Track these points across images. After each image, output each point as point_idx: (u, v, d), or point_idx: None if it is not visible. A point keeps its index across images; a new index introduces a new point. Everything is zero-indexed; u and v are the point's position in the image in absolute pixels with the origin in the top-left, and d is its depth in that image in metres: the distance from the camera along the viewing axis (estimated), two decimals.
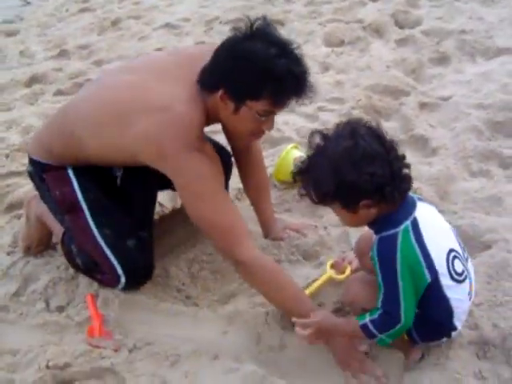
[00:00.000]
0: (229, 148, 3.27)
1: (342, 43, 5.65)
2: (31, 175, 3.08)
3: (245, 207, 3.42)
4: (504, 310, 2.52)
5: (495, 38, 5.23)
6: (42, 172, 2.98)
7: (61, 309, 2.91)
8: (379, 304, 2.21)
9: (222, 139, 3.18)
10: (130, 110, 2.65)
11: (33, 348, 2.65)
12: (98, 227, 2.90)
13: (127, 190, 3.08)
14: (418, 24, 5.75)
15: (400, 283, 2.15)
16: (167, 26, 6.62)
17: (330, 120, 4.29)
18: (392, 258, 2.15)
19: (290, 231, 3.23)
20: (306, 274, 2.95)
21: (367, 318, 2.22)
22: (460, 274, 2.24)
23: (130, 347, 2.63)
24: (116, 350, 2.61)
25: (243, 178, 3.29)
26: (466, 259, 2.35)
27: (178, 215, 3.40)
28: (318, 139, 2.24)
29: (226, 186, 3.27)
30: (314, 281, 2.82)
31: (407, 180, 2.19)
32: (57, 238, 3.19)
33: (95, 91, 2.92)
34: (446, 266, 2.20)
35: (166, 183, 2.86)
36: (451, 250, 2.24)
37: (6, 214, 3.77)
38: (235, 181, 3.40)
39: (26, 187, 3.83)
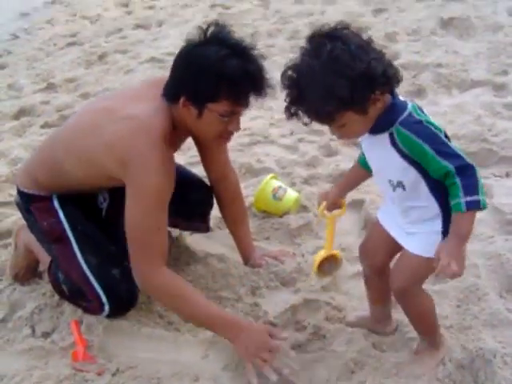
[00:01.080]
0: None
1: None
2: (19, 206, 3.16)
3: (226, 235, 3.52)
4: (472, 333, 2.63)
5: (470, 71, 5.37)
6: (28, 203, 3.05)
7: (46, 335, 2.95)
8: (449, 168, 2.05)
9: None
10: (102, 123, 2.74)
11: (19, 372, 2.68)
12: (83, 256, 2.95)
13: (112, 221, 3.12)
14: (396, 58, 5.83)
15: (443, 138, 2.11)
16: (152, 59, 6.70)
17: (309, 151, 4.40)
18: (423, 125, 2.11)
19: (269, 258, 3.31)
20: (284, 299, 3.04)
21: (461, 198, 2.04)
22: None
23: (112, 371, 2.68)
24: (99, 374, 2.65)
25: (221, 208, 3.39)
26: None
27: None
28: (290, 70, 2.13)
29: (206, 215, 3.40)
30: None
31: (392, 64, 2.15)
32: (44, 265, 3.24)
33: (75, 119, 3.03)
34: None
35: None
36: None
37: None
38: (216, 209, 3.48)
39: (13, 217, 3.89)
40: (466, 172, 2.05)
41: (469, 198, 2.04)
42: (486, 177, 3.92)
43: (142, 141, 2.62)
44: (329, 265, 2.84)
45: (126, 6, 8.96)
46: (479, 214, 3.40)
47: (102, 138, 2.70)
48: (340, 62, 2.01)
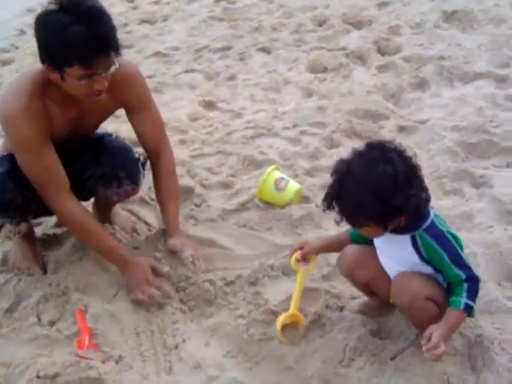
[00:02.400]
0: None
1: (325, 70, 5.75)
2: None
3: (230, 226, 3.67)
4: (471, 320, 2.64)
5: (473, 64, 5.37)
6: None
7: (51, 323, 2.99)
8: (461, 277, 2.38)
9: None
10: None
11: (24, 360, 2.72)
12: None
13: None
14: (399, 51, 5.86)
15: (459, 250, 2.41)
16: (158, 54, 6.71)
17: (311, 143, 4.43)
18: (445, 235, 2.40)
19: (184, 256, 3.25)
20: (285, 288, 3.08)
21: (463, 298, 2.36)
22: None
23: (116, 358, 2.73)
24: (103, 361, 2.69)
25: (154, 183, 3.44)
26: None
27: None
28: (342, 165, 2.37)
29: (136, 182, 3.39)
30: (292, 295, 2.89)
31: (427, 189, 2.39)
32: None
33: None
34: None
35: None
36: None
37: None
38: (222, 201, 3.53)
39: None
40: (473, 281, 2.39)
41: (468, 302, 2.35)
42: (486, 167, 3.97)
43: (6, 100, 2.96)
44: (292, 327, 2.85)
45: (132, 1, 8.95)
46: (479, 204, 3.48)
47: None
48: (383, 187, 2.24)
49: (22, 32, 8.10)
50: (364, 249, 2.67)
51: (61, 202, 3.07)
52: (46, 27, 2.74)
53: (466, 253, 2.98)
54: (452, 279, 2.40)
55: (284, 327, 2.80)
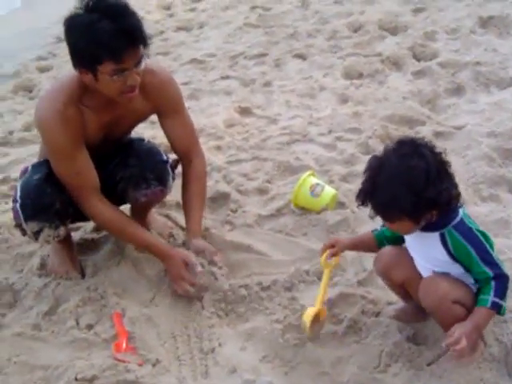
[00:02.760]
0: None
1: (360, 76, 5.76)
2: None
3: (265, 231, 3.70)
4: (507, 326, 2.63)
5: (509, 69, 5.33)
6: None
7: (89, 327, 3.02)
8: (489, 274, 2.39)
9: None
10: None
11: (63, 363, 2.77)
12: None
13: None
14: (434, 56, 5.84)
15: (488, 248, 2.41)
16: (193, 61, 6.76)
17: (347, 149, 4.43)
18: (474, 233, 2.42)
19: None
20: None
21: (490, 296, 2.37)
22: None
23: (153, 362, 2.76)
24: (140, 364, 2.72)
25: (182, 186, 3.44)
26: None
27: None
28: (374, 161, 2.41)
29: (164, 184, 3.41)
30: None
31: (457, 185, 2.42)
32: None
33: None
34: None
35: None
36: None
37: None
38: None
39: None
40: (502, 279, 2.40)
41: (496, 300, 2.37)
42: None
43: (41, 106, 3.06)
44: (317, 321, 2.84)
45: (168, 8, 9.05)
46: None
47: None
48: (416, 181, 2.27)
49: (60, 39, 8.20)
50: (400, 249, 2.69)
51: (92, 203, 3.14)
52: (73, 29, 2.82)
53: (503, 258, 3.00)
54: (480, 276, 2.41)
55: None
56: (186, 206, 3.42)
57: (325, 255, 2.84)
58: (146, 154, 3.38)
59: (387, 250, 2.72)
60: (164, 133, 3.42)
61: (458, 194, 2.39)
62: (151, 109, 3.27)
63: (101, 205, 3.16)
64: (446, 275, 2.49)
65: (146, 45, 2.87)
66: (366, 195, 2.41)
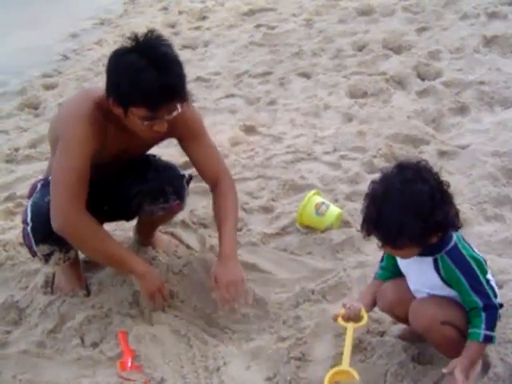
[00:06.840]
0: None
1: (365, 95, 5.77)
2: None
3: (270, 250, 3.73)
4: None
5: None
6: None
7: (95, 345, 3.03)
8: (478, 304, 2.37)
9: None
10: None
11: (68, 381, 2.79)
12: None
13: None
14: (439, 76, 5.86)
15: (480, 276, 2.40)
16: (199, 79, 6.78)
17: (351, 168, 4.45)
18: (466, 260, 2.41)
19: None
20: (326, 312, 3.10)
21: (482, 330, 2.36)
22: None
23: (158, 380, 2.75)
24: (145, 383, 2.73)
25: (213, 206, 3.34)
26: None
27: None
28: (376, 188, 2.39)
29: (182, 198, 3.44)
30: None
31: (458, 211, 2.43)
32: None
33: None
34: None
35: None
36: None
37: None
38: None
39: None
40: (491, 311, 2.38)
41: (488, 333, 2.36)
42: None
43: (75, 100, 3.17)
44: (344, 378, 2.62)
45: (173, 26, 9.08)
46: None
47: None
48: (423, 207, 2.26)
49: (66, 57, 8.25)
50: (400, 284, 2.66)
51: (73, 205, 2.95)
52: (119, 66, 2.81)
53: (507, 278, 3.01)
54: (469, 305, 2.41)
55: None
56: (217, 225, 3.29)
57: (340, 318, 2.71)
58: (164, 168, 3.41)
59: (388, 287, 2.70)
60: (189, 157, 3.35)
61: (457, 212, 2.40)
62: (169, 134, 3.19)
63: (83, 212, 2.98)
64: (434, 297, 2.50)
65: (183, 101, 2.87)
66: (371, 225, 2.37)
